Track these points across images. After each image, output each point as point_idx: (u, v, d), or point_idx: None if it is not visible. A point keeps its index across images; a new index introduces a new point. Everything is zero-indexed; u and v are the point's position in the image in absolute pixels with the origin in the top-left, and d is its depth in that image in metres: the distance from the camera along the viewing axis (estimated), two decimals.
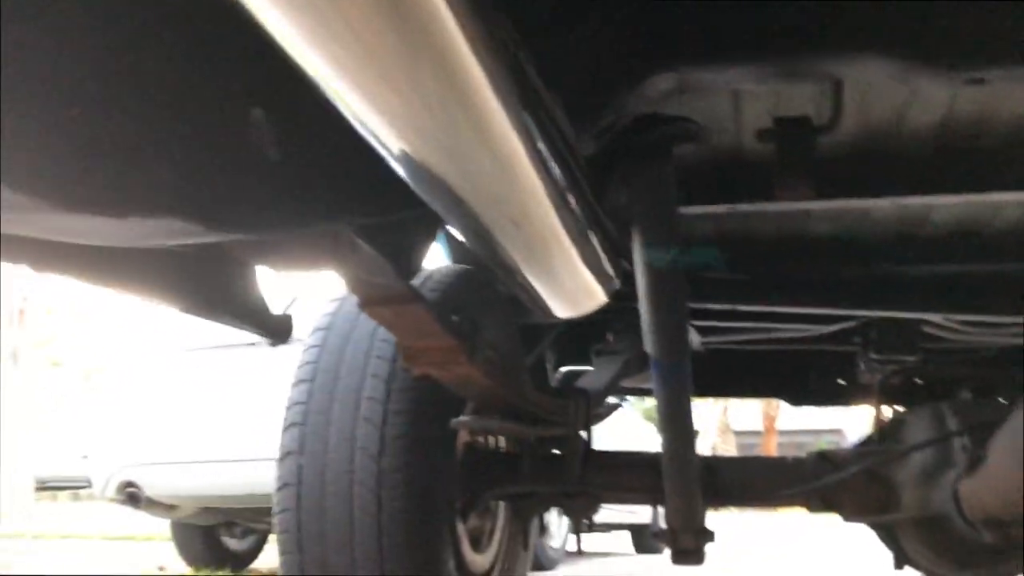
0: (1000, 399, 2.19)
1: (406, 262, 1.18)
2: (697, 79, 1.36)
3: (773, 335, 2.78)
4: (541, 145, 0.79)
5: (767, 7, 1.28)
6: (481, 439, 2.31)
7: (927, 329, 2.61)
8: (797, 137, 1.48)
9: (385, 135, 0.70)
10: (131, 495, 5.16)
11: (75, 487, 12.27)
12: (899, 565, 2.08)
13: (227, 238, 0.81)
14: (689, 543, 2.00)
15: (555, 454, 2.22)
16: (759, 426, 28.72)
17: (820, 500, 2.04)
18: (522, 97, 0.75)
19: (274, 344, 1.51)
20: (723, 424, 28.41)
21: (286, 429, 1.94)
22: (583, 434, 2.24)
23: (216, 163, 0.76)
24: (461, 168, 0.74)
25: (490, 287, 2.28)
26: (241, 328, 1.37)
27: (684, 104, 1.65)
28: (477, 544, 2.27)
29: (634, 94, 1.30)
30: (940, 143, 1.84)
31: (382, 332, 1.95)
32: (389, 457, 1.84)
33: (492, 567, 2.34)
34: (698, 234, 2.47)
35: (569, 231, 0.91)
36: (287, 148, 0.82)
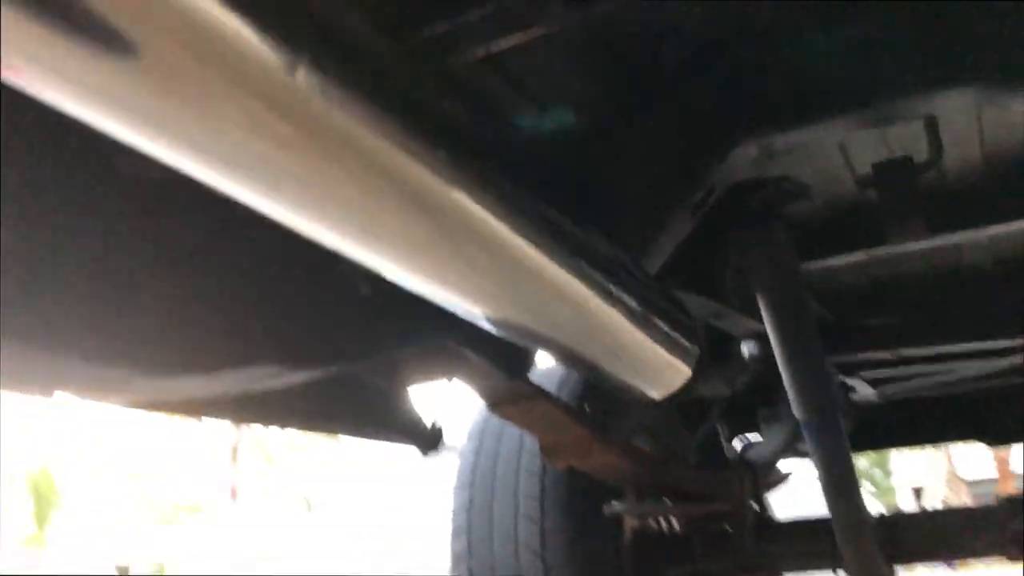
0: None
1: (518, 362, 1.24)
2: (780, 142, 1.38)
3: (952, 376, 2.64)
4: (590, 271, 0.86)
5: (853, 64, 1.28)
6: (652, 522, 2.29)
7: None
8: (900, 178, 1.46)
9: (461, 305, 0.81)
10: None
11: None
12: None
13: (320, 372, 0.90)
14: None
15: (725, 531, 2.18)
16: (991, 472, 26.37)
17: (1017, 546, 1.90)
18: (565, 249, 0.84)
19: (427, 454, 1.60)
20: (950, 473, 26.30)
21: (456, 535, 2.02)
22: (756, 506, 2.19)
23: (303, 305, 0.86)
24: (533, 315, 0.83)
25: None
26: (398, 442, 1.46)
27: (789, 162, 1.66)
28: None
29: (723, 164, 1.34)
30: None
31: (529, 442, 2.01)
32: (552, 551, 1.87)
33: None
34: (847, 282, 2.40)
35: (636, 325, 0.97)
36: (376, 283, 0.91)
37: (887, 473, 23.06)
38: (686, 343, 1.19)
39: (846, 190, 1.80)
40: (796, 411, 1.76)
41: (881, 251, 1.96)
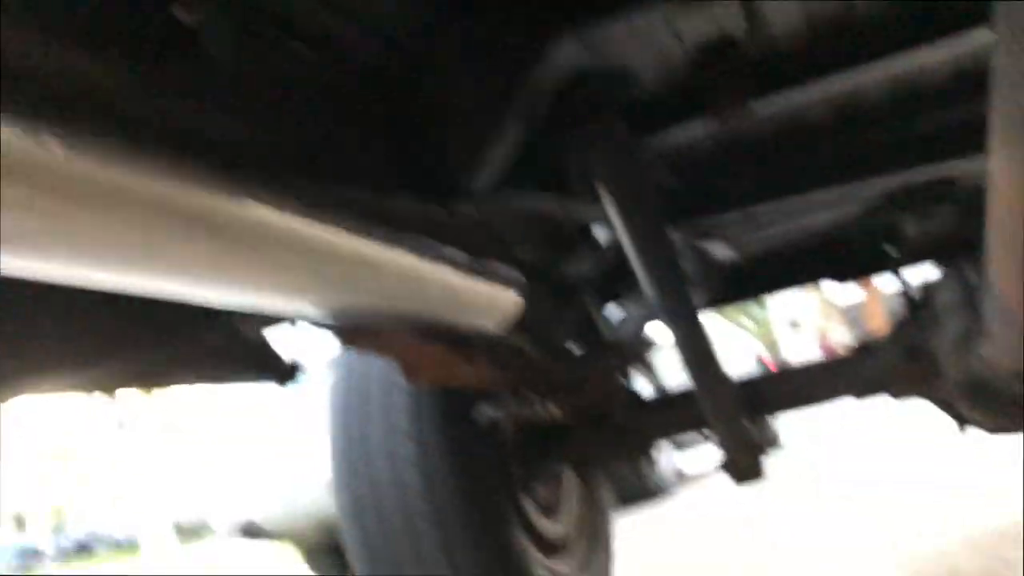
0: None
1: None
2: (599, 33, 1.36)
3: (806, 226, 2.74)
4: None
5: None
6: (531, 416, 2.35)
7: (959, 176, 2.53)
8: (723, 57, 1.47)
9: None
10: (251, 531, 5.44)
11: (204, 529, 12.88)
12: (962, 427, 2.06)
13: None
14: (745, 460, 2.02)
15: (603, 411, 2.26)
16: (860, 296, 28.14)
17: (866, 388, 2.04)
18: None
19: (284, 384, 1.58)
20: (823, 302, 27.87)
21: (335, 458, 2.02)
22: (626, 383, 2.27)
23: None
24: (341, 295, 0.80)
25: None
26: (255, 381, 1.43)
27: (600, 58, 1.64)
28: (551, 512, 2.33)
29: (544, 63, 1.31)
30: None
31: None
32: (433, 464, 1.90)
33: (570, 531, 2.40)
34: (697, 149, 2.44)
35: (449, 272, 0.95)
36: None
37: (763, 307, 24.30)
38: (508, 276, 1.19)
39: (680, 64, 1.81)
40: (650, 295, 1.81)
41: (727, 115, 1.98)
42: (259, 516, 5.39)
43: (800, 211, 2.65)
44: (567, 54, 1.37)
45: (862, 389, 2.03)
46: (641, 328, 2.53)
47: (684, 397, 2.20)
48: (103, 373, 1.14)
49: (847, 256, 3.30)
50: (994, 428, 1.96)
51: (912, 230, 3.18)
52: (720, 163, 2.41)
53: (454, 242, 1.12)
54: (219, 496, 5.86)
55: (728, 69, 1.54)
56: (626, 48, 1.55)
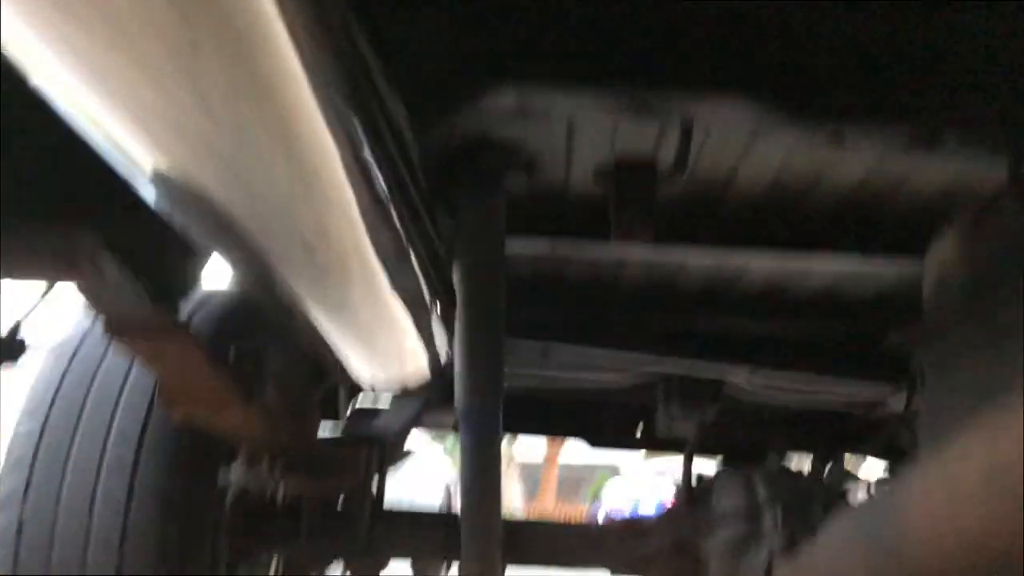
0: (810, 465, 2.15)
1: (171, 283, 0.90)
2: (540, 100, 1.18)
3: (578, 378, 2.68)
4: (367, 152, 0.57)
5: (623, 31, 1.12)
6: (256, 487, 2.01)
7: (731, 382, 2.58)
8: (640, 181, 1.33)
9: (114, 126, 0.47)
10: None
11: None
12: None
13: None
14: None
15: (340, 509, 1.97)
16: (539, 459, 29.26)
17: (624, 570, 1.91)
18: (349, 87, 0.53)
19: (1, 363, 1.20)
20: (508, 455, 28.79)
21: (6, 473, 1.58)
22: (375, 486, 2.00)
23: None
24: (232, 172, 0.51)
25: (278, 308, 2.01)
26: None
27: (520, 131, 1.48)
28: None
29: (473, 108, 1.10)
30: (770, 198, 1.76)
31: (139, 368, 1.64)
32: (139, 507, 1.52)
33: None
34: (511, 267, 2.32)
35: (389, 265, 0.68)
36: None
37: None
38: (443, 340, 0.93)
39: (565, 176, 1.67)
40: (458, 387, 1.59)
41: (561, 246, 1.87)
42: None
43: (587, 365, 2.59)
44: (498, 108, 1.18)
45: (623, 565, 1.90)
46: (404, 431, 2.29)
47: (439, 520, 1.97)
48: None
49: (602, 423, 3.29)
50: None
51: (662, 419, 3.21)
52: (546, 287, 2.30)
53: None
54: None
55: (637, 195, 1.42)
56: (552, 133, 1.39)
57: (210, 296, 1.67)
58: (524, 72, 1.14)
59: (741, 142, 1.48)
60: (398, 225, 0.69)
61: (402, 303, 0.75)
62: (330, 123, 0.52)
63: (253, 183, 0.52)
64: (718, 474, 2.03)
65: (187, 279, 0.93)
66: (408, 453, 2.39)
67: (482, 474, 1.66)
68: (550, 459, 29.91)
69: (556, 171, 1.67)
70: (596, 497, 17.98)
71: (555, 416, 3.22)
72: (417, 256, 0.78)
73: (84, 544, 1.51)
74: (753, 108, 1.13)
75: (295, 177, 0.54)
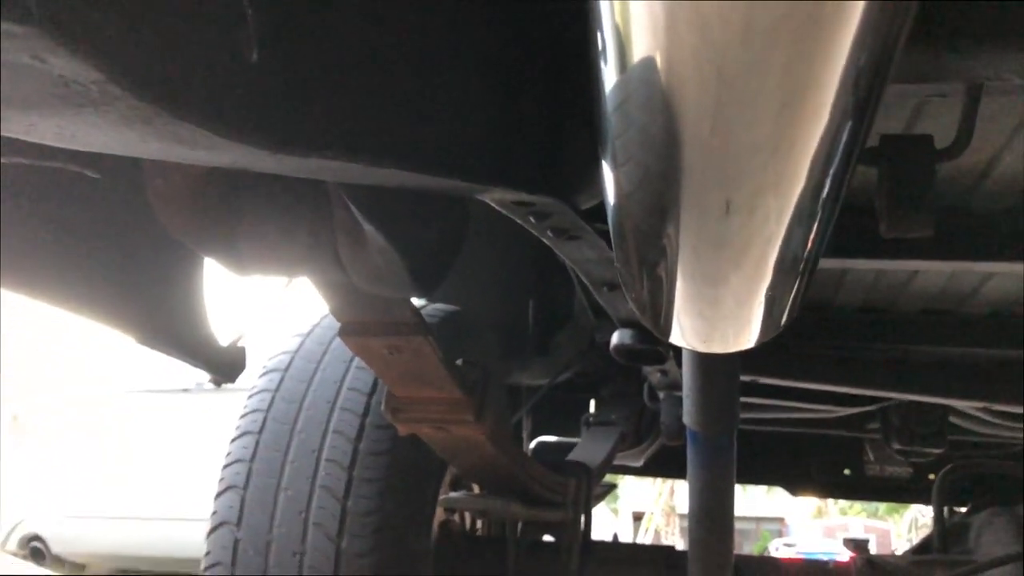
0: None
1: (425, 273, 0.81)
2: None
3: (786, 415, 2.47)
4: (847, 130, 0.44)
5: None
6: (456, 519, 1.92)
7: (953, 419, 2.32)
8: (918, 158, 1.15)
9: None
10: (35, 550, 4.61)
11: None
12: None
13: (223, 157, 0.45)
14: None
15: (547, 542, 1.84)
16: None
17: None
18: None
19: (221, 382, 1.14)
20: (668, 507, 28.01)
21: (221, 493, 1.54)
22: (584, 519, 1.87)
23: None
24: (726, 96, 0.38)
25: (481, 335, 1.92)
26: (183, 358, 1.00)
27: None
28: None
29: None
30: None
31: (355, 378, 1.57)
32: (352, 538, 1.44)
33: None
34: None
35: (787, 247, 0.53)
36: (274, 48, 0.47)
37: (615, 496, 24.16)
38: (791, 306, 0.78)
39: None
40: (688, 419, 1.44)
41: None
42: (47, 532, 4.57)
43: (789, 400, 2.40)
44: None
45: None
46: (605, 465, 2.15)
47: (658, 554, 1.81)
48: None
49: (803, 470, 3.10)
50: None
51: (876, 458, 2.94)
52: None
53: None
54: (5, 499, 5.02)
55: (913, 176, 1.24)
56: None
57: (421, 307, 1.59)
58: None
59: (1018, 115, 1.28)
60: (819, 231, 0.54)
61: (768, 296, 0.61)
62: (839, 99, 0.39)
63: (734, 113, 0.39)
64: (972, 512, 1.79)
65: (446, 264, 0.83)
66: (611, 487, 2.25)
67: (715, 506, 1.51)
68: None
69: None
70: (764, 553, 17.21)
71: (752, 463, 3.03)
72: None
73: (298, 573, 1.44)
74: None
75: (772, 134, 0.41)
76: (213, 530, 1.52)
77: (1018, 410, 2.08)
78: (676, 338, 0.71)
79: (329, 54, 0.52)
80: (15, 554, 4.82)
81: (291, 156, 0.48)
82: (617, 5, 0.37)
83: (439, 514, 1.80)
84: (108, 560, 4.62)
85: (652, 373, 2.26)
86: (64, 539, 4.56)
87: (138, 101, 0.33)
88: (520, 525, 1.82)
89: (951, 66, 0.87)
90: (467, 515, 2.00)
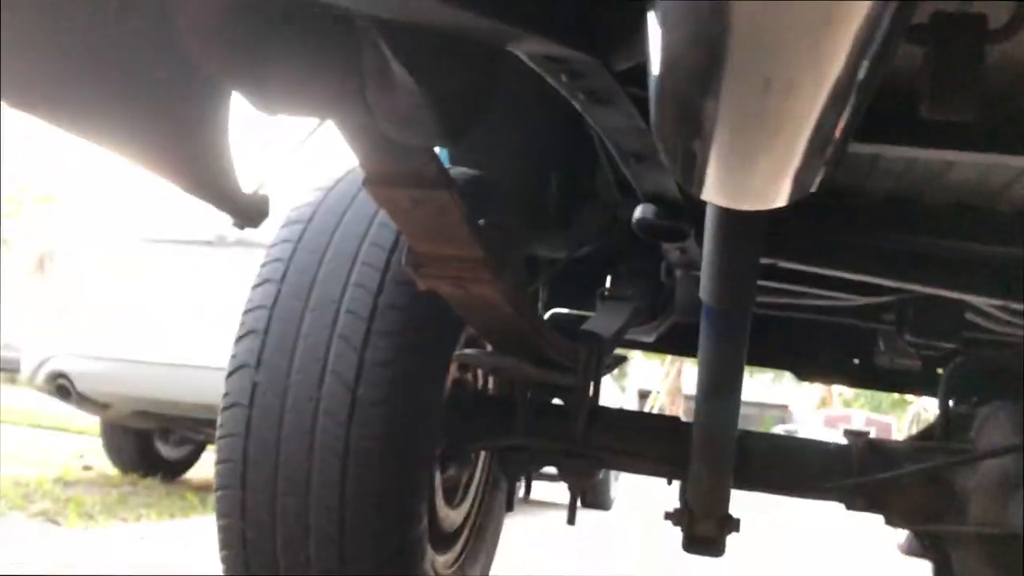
0: None
1: (452, 121, 0.80)
2: None
3: (802, 300, 2.48)
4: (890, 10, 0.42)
5: None
6: (469, 378, 1.96)
7: (970, 316, 2.32)
8: (967, 36, 1.11)
9: None
10: (61, 387, 4.76)
11: (8, 370, 11.72)
12: None
13: None
14: (709, 530, 1.68)
15: (555, 406, 1.89)
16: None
17: (865, 498, 1.73)
18: None
19: (242, 227, 1.15)
20: (674, 387, 28.47)
21: (242, 337, 1.57)
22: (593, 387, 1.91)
23: None
24: None
25: (504, 201, 1.92)
26: (209, 200, 1.00)
27: None
28: (451, 498, 1.93)
29: None
30: None
31: (376, 234, 1.58)
32: (367, 387, 1.48)
33: (464, 523, 2.02)
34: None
35: (825, 117, 0.53)
36: None
37: (623, 374, 24.55)
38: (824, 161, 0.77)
39: None
40: (704, 292, 1.45)
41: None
42: (73, 370, 4.71)
43: (807, 287, 2.40)
44: None
45: (862, 497, 1.73)
46: (618, 337, 2.17)
47: (664, 424, 1.85)
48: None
49: (814, 355, 3.11)
50: None
51: (888, 349, 2.96)
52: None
53: None
54: (35, 336, 5.16)
55: (962, 55, 1.20)
56: None
57: (456, 172, 1.59)
58: None
59: None
60: (857, 103, 0.53)
61: (805, 155, 0.60)
62: None
63: None
64: (979, 405, 1.81)
65: (475, 114, 0.82)
66: (622, 358, 2.29)
67: (723, 382, 1.53)
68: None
69: None
70: None
71: (763, 345, 3.05)
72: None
73: (313, 416, 1.49)
74: None
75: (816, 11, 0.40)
76: (232, 372, 1.56)
77: None
78: (707, 193, 0.70)
79: None
80: (41, 390, 5.00)
81: None
82: None
83: (453, 372, 1.84)
84: (132, 401, 4.78)
85: (671, 250, 2.26)
86: (89, 378, 4.71)
87: None
88: (530, 390, 1.87)
89: None
90: (479, 376, 2.05)
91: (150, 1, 0.73)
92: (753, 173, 0.62)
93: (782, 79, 0.48)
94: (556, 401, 1.91)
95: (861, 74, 0.50)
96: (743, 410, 2.04)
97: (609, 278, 2.87)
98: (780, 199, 0.67)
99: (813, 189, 0.68)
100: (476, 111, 0.82)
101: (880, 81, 0.57)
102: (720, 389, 1.53)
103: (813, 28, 0.43)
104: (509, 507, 2.09)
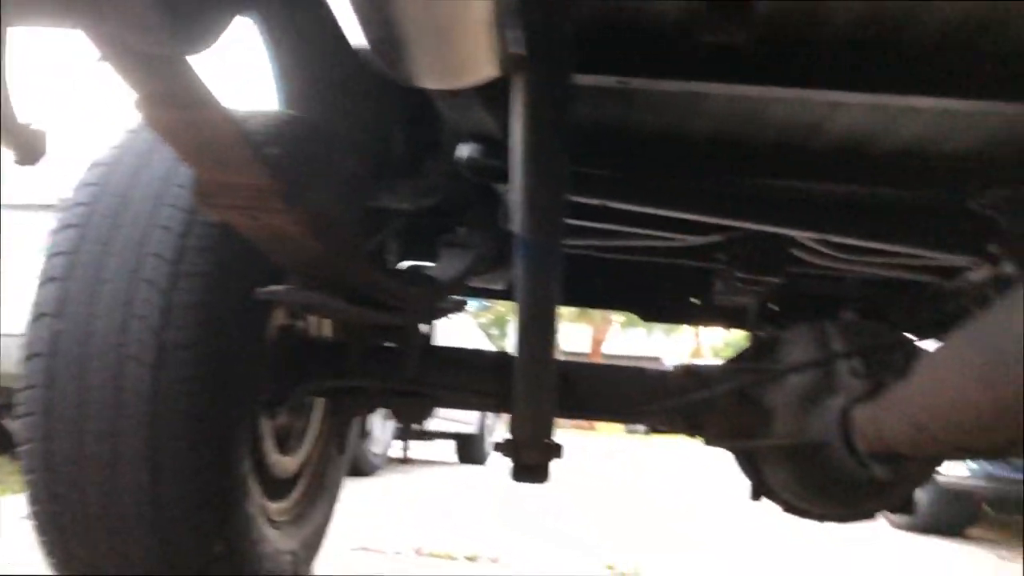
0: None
1: (187, 25, 0.77)
2: None
3: (632, 242, 2.54)
4: None
5: None
6: (301, 323, 1.93)
7: (796, 252, 2.43)
8: None
9: None
10: None
11: None
12: (756, 496, 1.88)
13: None
14: (534, 458, 1.72)
15: (388, 347, 1.89)
16: (586, 348, 29.47)
17: (682, 419, 1.81)
18: None
19: (21, 163, 1.09)
20: (595, 352, 29.01)
21: (43, 284, 1.51)
22: (424, 328, 1.91)
23: None
24: None
25: (332, 146, 1.88)
26: None
27: None
28: (284, 444, 1.91)
29: None
30: (867, 29, 1.57)
31: (182, 176, 1.53)
32: (175, 330, 1.44)
33: (301, 471, 2.00)
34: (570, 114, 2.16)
35: None
36: None
37: (504, 334, 24.77)
38: (501, 41, 0.78)
39: None
40: (517, 224, 1.46)
41: (633, 83, 1.69)
42: None
43: (637, 227, 2.46)
44: None
45: (681, 415, 1.80)
46: (455, 282, 2.19)
47: (490, 361, 1.88)
48: None
49: (656, 295, 3.18)
50: (798, 506, 1.80)
51: (723, 286, 3.07)
52: (608, 140, 2.15)
53: None
54: None
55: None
56: None
57: (260, 113, 1.55)
58: None
59: None
60: None
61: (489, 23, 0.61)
62: None
63: None
64: (785, 327, 1.91)
65: (217, 17, 0.79)
66: (462, 303, 2.30)
67: (539, 312, 1.56)
68: (594, 349, 30.03)
69: None
70: None
71: (606, 288, 3.11)
72: None
73: (119, 361, 1.44)
74: None
75: None
76: (34, 321, 1.50)
77: (854, 242, 2.20)
78: (416, 78, 0.70)
79: None
80: None
81: None
82: None
83: (280, 317, 1.81)
84: None
85: (505, 191, 2.28)
86: None
87: None
88: (364, 334, 1.86)
89: None
90: (316, 323, 2.03)
91: None
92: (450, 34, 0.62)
93: None
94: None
95: None
96: (619, 364, 2.09)
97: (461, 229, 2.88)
98: (487, 67, 0.67)
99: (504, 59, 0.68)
100: (218, 15, 0.80)
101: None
102: (536, 320, 1.55)
103: None
104: (341, 449, 2.08)
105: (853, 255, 2.27)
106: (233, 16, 0.83)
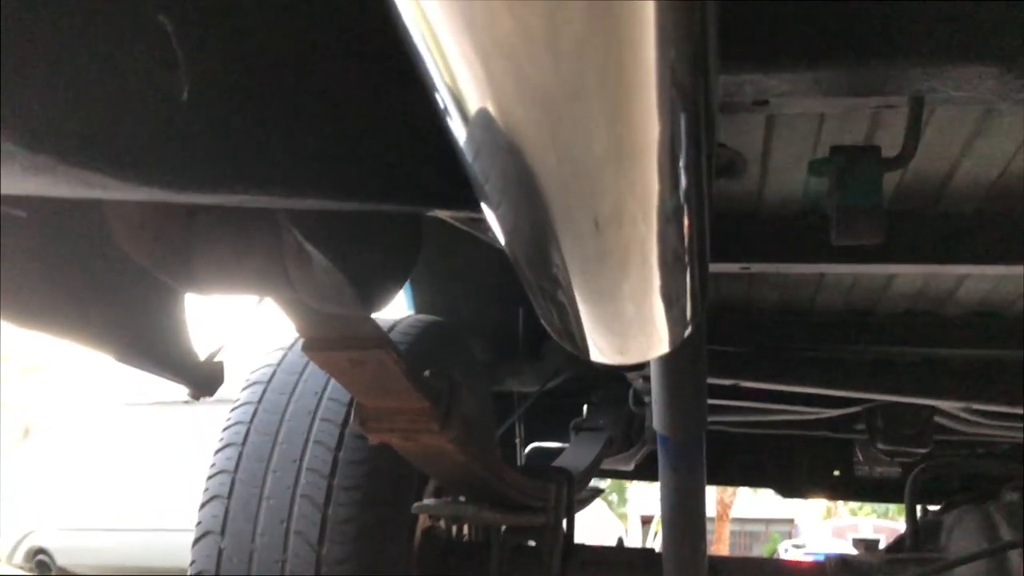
0: None
1: (371, 291, 0.85)
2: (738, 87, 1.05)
3: (769, 417, 2.50)
4: (683, 122, 0.48)
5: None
6: (441, 525, 1.95)
7: (940, 420, 2.34)
8: (865, 166, 1.19)
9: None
10: (40, 563, 4.66)
11: None
12: None
13: (140, 195, 0.48)
14: None
15: (529, 547, 1.88)
16: (711, 512, 28.28)
17: None
18: (692, 61, 0.44)
19: (197, 397, 1.18)
20: None
21: (205, 503, 1.58)
22: (566, 524, 1.90)
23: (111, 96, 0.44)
24: (554, 119, 0.42)
25: (464, 344, 1.96)
26: (164, 375, 1.03)
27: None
28: None
29: None
30: (993, 195, 1.57)
31: (335, 389, 1.61)
32: (332, 545, 1.48)
33: None
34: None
35: (664, 247, 0.58)
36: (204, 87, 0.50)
37: (624, 500, 24.09)
38: (692, 311, 0.82)
39: (751, 186, 1.54)
40: (657, 424, 1.47)
41: (754, 268, 1.72)
42: (52, 545, 4.62)
43: (774, 403, 2.43)
44: None
45: None
46: (591, 469, 2.19)
47: (637, 556, 1.84)
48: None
49: (793, 471, 3.11)
50: None
51: (864, 458, 2.95)
52: (734, 323, 2.17)
53: None
54: (10, 512, 5.07)
55: (862, 186, 1.27)
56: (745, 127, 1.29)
57: (401, 321, 1.64)
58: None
59: (971, 124, 1.32)
60: (691, 226, 0.59)
61: (664, 298, 0.65)
62: (662, 97, 0.43)
63: (571, 140, 0.43)
64: (946, 510, 1.82)
65: (389, 289, 0.87)
66: (598, 491, 2.29)
67: (686, 507, 1.54)
68: (722, 513, 28.81)
69: (750, 179, 1.54)
70: (773, 555, 17.19)
71: (742, 465, 3.05)
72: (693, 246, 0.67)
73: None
74: (996, 75, 0.97)
75: (611, 146, 0.45)
76: (198, 540, 1.56)
77: (1000, 409, 2.11)
78: (596, 356, 0.75)
79: (258, 96, 0.56)
80: (21, 567, 4.88)
81: (215, 194, 0.52)
82: (443, 70, 0.41)
83: (424, 520, 1.84)
84: (110, 571, 4.67)
85: (635, 378, 2.29)
86: (68, 551, 4.62)
87: (33, 154, 0.37)
88: (503, 531, 1.86)
89: (889, 80, 0.90)
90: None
91: (93, 210, 0.79)
92: (623, 318, 0.66)
93: (607, 219, 0.53)
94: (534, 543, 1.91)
95: (678, 199, 0.55)
96: (748, 527, 2.01)
97: (586, 409, 2.89)
98: (661, 344, 0.71)
99: (689, 327, 0.72)
100: (396, 278, 0.88)
101: (707, 200, 0.62)
102: (683, 516, 1.53)
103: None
104: None
105: (1003, 421, 2.18)
106: (409, 275, 0.90)
